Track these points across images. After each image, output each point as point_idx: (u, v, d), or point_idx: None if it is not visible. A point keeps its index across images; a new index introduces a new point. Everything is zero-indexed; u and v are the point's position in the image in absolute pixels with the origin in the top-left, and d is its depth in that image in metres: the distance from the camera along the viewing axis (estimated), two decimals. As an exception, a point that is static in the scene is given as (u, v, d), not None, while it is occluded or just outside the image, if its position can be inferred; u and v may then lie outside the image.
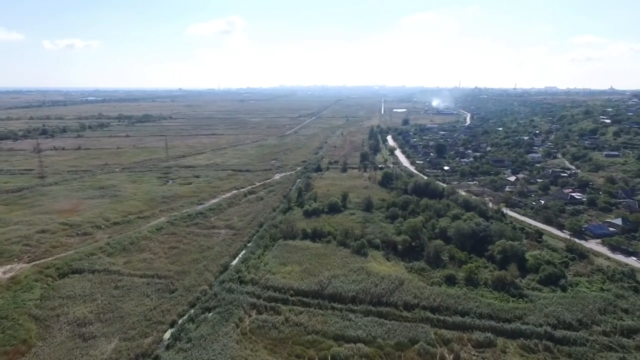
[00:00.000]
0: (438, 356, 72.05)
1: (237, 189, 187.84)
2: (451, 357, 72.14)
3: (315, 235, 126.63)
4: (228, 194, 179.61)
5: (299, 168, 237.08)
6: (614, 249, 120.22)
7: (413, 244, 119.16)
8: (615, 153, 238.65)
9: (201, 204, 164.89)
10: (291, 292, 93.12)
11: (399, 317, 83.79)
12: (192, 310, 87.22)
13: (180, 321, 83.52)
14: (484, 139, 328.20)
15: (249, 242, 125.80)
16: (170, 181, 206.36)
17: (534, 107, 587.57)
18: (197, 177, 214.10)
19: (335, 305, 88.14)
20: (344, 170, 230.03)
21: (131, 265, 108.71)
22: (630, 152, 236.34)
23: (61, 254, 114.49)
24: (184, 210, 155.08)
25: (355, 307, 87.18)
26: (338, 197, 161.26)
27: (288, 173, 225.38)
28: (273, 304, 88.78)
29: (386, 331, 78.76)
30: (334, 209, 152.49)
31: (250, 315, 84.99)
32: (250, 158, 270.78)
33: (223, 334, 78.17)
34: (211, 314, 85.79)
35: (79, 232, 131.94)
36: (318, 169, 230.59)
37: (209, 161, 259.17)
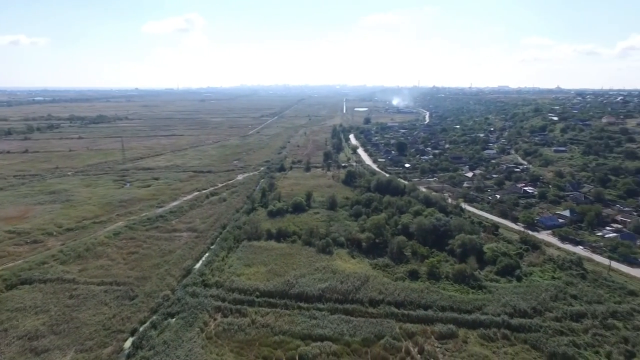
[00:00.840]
0: (403, 350, 73.64)
1: (198, 191, 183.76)
2: (416, 350, 73.96)
3: (280, 235, 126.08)
4: (189, 196, 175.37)
5: (262, 168, 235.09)
6: (563, 239, 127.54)
7: (377, 240, 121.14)
8: (563, 149, 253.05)
9: (161, 206, 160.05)
10: (257, 293, 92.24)
11: (365, 314, 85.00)
12: (154, 317, 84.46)
13: (141, 328, 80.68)
14: (443, 137, 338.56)
15: (212, 245, 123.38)
16: (128, 184, 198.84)
17: (489, 105, 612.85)
18: (157, 179, 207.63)
19: (301, 304, 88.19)
20: (308, 169, 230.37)
21: (87, 272, 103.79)
22: (576, 147, 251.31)
23: (8, 264, 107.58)
24: (143, 214, 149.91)
25: (322, 306, 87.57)
26: (302, 196, 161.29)
27: (251, 173, 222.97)
28: (239, 306, 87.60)
29: (352, 328, 79.65)
30: (298, 208, 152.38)
31: (215, 319, 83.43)
32: (212, 159, 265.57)
33: (187, 339, 76.26)
34: (174, 319, 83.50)
35: (28, 240, 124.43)
36: (281, 169, 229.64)
37: (169, 163, 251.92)
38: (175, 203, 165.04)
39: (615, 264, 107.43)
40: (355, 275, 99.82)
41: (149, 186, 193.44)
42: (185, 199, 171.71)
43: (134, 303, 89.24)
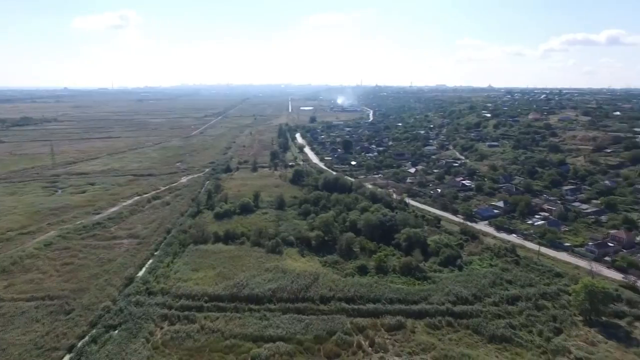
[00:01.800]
0: (355, 344, 75.07)
1: (139, 195, 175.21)
2: (367, 343, 75.70)
3: (228, 238, 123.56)
4: (129, 201, 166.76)
5: (207, 170, 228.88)
6: (498, 228, 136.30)
7: (326, 238, 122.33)
8: (496, 144, 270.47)
9: (98, 213, 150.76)
10: (206, 298, 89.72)
11: (317, 311, 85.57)
12: (94, 330, 79.43)
13: (80, 344, 75.47)
14: (386, 134, 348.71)
15: (156, 251, 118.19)
16: (60, 191, 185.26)
17: (428, 103, 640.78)
18: (92, 184, 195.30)
19: (252, 306, 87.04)
20: (255, 169, 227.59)
21: (14, 288, 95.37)
22: (507, 142, 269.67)
23: None
24: (78, 222, 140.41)
25: (273, 306, 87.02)
26: (250, 197, 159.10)
27: (196, 175, 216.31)
28: (186, 312, 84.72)
29: (305, 326, 79.90)
30: (246, 209, 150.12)
31: (161, 328, 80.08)
32: (152, 161, 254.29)
33: (132, 351, 72.55)
34: (117, 331, 79.07)
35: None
36: (227, 170, 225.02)
37: (106, 167, 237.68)
38: (114, 209, 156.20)
39: (543, 249, 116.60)
40: (306, 273, 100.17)
41: (84, 192, 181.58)
42: (125, 204, 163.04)
43: (71, 317, 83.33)
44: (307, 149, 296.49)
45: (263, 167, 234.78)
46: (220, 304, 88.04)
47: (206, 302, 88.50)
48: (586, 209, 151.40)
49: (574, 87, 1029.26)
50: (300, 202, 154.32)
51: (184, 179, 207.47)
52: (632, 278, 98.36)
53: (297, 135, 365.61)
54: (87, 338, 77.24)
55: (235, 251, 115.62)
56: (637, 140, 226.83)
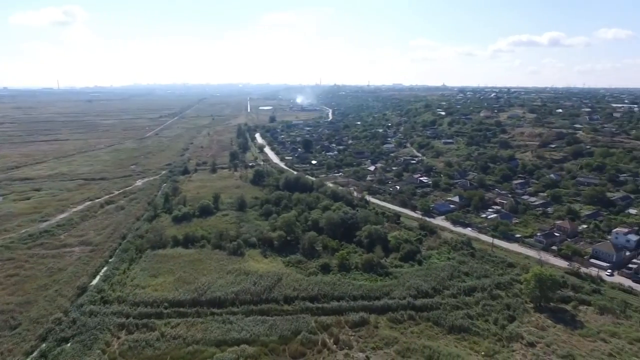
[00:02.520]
0: (320, 342, 75.40)
1: (91, 200, 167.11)
2: (331, 340, 76.24)
3: (188, 241, 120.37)
4: (80, 207, 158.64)
5: (163, 172, 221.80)
6: (455, 222, 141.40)
7: (288, 238, 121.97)
8: (450, 141, 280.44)
9: (46, 220, 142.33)
10: (165, 304, 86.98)
11: (281, 312, 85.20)
12: (44, 345, 74.97)
13: (28, 360, 70.98)
14: (346, 133, 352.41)
15: (111, 258, 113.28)
16: (0, 198, 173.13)
17: (385, 102, 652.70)
18: (38, 190, 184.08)
19: (215, 310, 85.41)
20: (214, 170, 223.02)
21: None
22: (461, 139, 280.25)
23: None
24: (23, 230, 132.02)
25: (236, 309, 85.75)
26: (209, 199, 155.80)
27: (152, 178, 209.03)
28: (145, 320, 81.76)
29: (269, 327, 79.29)
30: (205, 211, 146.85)
31: (119, 337, 76.81)
32: (105, 164, 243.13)
33: (87, 364, 69.04)
34: (69, 344, 75.04)
35: None
36: (185, 172, 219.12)
37: (53, 171, 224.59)
38: (63, 215, 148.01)
39: (497, 241, 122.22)
40: (269, 274, 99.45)
41: (28, 198, 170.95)
42: (75, 210, 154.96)
43: (17, 333, 78.19)
44: (267, 149, 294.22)
45: (222, 168, 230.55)
46: (181, 309, 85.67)
47: (166, 308, 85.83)
48: (534, 201, 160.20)
49: (521, 86, 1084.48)
50: (262, 203, 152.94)
51: (139, 182, 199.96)
52: (576, 265, 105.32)
53: (257, 135, 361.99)
54: (36, 353, 72.83)
55: (195, 255, 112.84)
56: (577, 135, 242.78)
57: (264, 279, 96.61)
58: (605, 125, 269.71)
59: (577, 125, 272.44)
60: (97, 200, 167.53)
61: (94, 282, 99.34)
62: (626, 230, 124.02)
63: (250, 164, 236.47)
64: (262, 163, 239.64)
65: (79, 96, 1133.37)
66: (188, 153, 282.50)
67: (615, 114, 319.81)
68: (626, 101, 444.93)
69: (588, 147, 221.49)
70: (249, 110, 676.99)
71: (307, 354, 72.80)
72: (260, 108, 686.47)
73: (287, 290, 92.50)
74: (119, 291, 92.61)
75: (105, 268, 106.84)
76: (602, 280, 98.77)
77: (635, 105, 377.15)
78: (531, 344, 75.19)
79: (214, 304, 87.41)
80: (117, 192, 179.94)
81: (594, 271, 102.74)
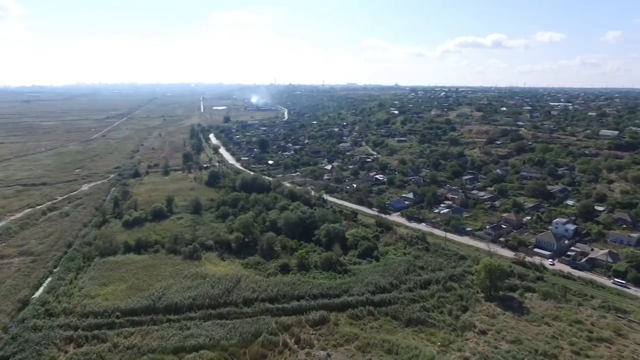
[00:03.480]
0: (281, 343, 75.03)
1: (31, 207, 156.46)
2: (292, 340, 76.10)
3: (140, 247, 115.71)
4: (19, 214, 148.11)
5: (112, 175, 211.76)
6: (409, 218, 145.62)
7: (246, 239, 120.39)
8: (404, 139, 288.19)
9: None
10: (117, 313, 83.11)
11: (240, 315, 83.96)
12: (-19, 366, 69.33)
13: (-37, 383, 65.41)
14: (302, 132, 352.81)
15: (55, 267, 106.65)
16: None
17: (340, 101, 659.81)
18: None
19: (171, 317, 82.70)
20: (166, 173, 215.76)
21: None
22: (414, 137, 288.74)
23: None
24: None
25: (194, 314, 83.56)
26: (162, 202, 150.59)
27: (99, 182, 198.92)
28: (96, 331, 77.75)
29: (228, 331, 77.90)
30: (159, 215, 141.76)
31: (66, 352, 72.52)
32: (46, 169, 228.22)
33: (31, 383, 64.58)
34: (11, 363, 69.81)
35: None
36: (136, 175, 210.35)
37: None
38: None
39: (449, 235, 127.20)
40: (227, 277, 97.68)
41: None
42: (13, 217, 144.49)
43: (-50, 354, 71.74)
44: (222, 150, 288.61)
45: (176, 170, 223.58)
46: (135, 318, 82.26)
47: (118, 317, 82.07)
48: (483, 195, 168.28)
49: (468, 86, 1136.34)
50: (218, 205, 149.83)
51: (85, 187, 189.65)
52: (522, 254, 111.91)
53: (211, 136, 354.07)
54: (-28, 375, 67.20)
55: (148, 260, 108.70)
56: (520, 132, 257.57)
57: (222, 282, 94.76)
58: (545, 123, 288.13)
59: (520, 123, 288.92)
60: (39, 207, 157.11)
61: (37, 294, 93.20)
62: (564, 220, 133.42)
63: (205, 165, 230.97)
64: (217, 164, 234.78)
65: (15, 96, 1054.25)
66: (138, 155, 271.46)
67: (553, 112, 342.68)
68: (562, 100, 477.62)
69: (530, 143, 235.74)
70: (202, 110, 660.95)
71: (268, 355, 72.24)
72: (214, 108, 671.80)
73: (246, 292, 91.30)
74: (66, 302, 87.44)
75: (49, 279, 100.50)
76: (545, 268, 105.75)
77: (570, 104, 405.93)
78: (483, 332, 78.95)
79: (170, 311, 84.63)
80: (60, 198, 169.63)
81: (537, 260, 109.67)
